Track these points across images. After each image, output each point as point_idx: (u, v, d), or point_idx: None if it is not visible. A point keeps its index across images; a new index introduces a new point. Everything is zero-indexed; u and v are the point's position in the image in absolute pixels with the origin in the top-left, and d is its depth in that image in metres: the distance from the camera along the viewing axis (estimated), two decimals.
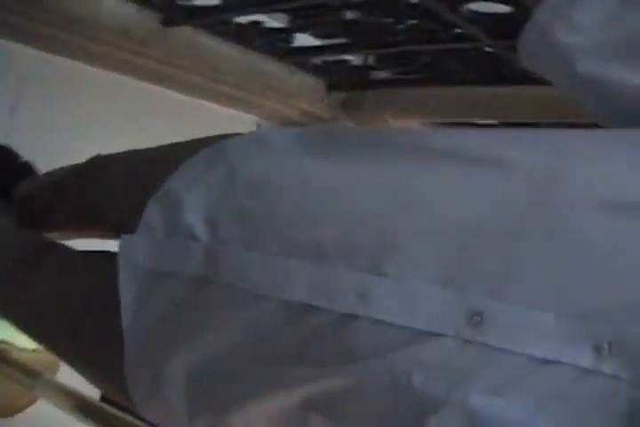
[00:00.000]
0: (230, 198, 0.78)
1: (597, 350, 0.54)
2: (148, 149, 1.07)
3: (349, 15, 2.17)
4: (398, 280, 0.63)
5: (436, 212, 0.65)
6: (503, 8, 1.99)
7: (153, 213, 0.83)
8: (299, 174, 0.76)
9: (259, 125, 3.17)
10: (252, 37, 2.40)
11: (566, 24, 0.71)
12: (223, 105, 2.88)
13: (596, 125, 0.77)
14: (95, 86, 2.39)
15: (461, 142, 0.71)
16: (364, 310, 0.63)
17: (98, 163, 1.19)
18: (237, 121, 3.02)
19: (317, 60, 2.75)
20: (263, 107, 2.87)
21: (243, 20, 2.32)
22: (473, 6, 2.00)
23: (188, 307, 0.77)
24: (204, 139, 0.95)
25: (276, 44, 2.48)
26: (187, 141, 1.00)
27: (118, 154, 1.14)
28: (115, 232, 0.99)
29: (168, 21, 2.22)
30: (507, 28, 2.10)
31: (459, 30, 2.17)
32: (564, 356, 0.55)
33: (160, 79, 2.55)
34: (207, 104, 2.84)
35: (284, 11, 2.25)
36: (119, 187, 1.02)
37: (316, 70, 2.81)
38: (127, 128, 2.47)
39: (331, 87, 2.92)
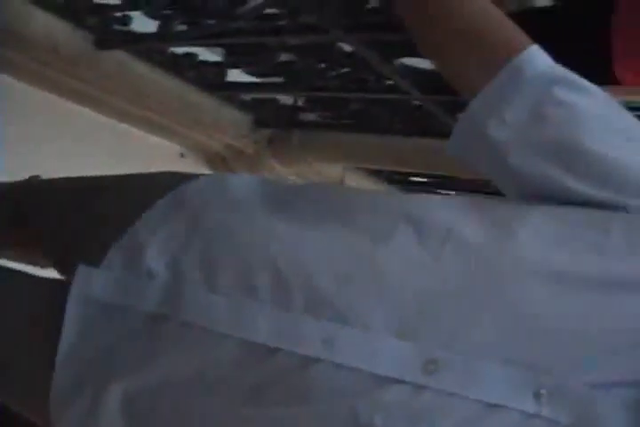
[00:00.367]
0: (193, 245, 0.80)
1: (537, 396, 0.62)
2: (94, 178, 1.07)
3: (284, 57, 2.19)
4: (361, 330, 0.68)
5: (394, 273, 0.71)
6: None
7: (114, 256, 0.84)
8: (261, 228, 0.79)
9: (182, 155, 3.16)
10: (184, 68, 2.39)
11: (499, 120, 0.78)
12: (148, 132, 2.86)
13: None
14: (19, 102, 2.34)
15: (416, 211, 0.77)
16: (328, 354, 0.67)
17: (39, 185, 1.18)
18: (160, 149, 3.00)
19: (246, 96, 2.76)
20: (188, 137, 2.86)
21: (178, 50, 2.31)
22: (406, 60, 2.04)
23: (137, 340, 0.78)
24: (161, 178, 0.98)
25: (207, 77, 2.48)
26: (140, 178, 1.01)
27: (60, 179, 1.13)
28: (55, 261, 1.01)
29: (101, 44, 2.19)
30: (436, 84, 2.15)
31: (390, 82, 2.21)
32: (509, 401, 0.62)
33: (86, 101, 2.51)
34: (132, 129, 2.82)
35: (220, 46, 2.25)
36: (63, 216, 1.01)
37: (244, 106, 2.81)
38: (46, 146, 2.43)
39: (257, 123, 2.93)
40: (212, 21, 1.91)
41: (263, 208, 0.83)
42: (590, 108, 0.77)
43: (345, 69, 2.19)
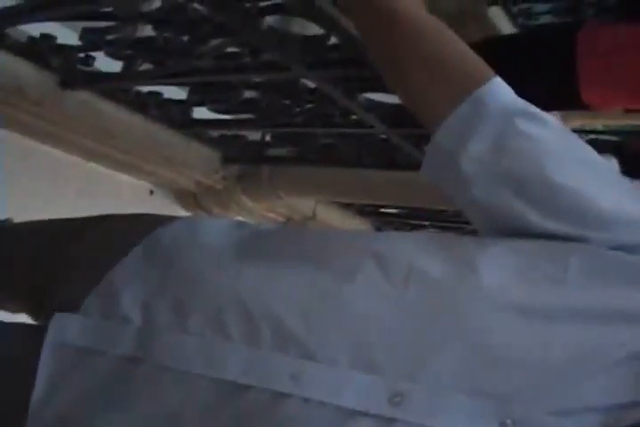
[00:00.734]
0: (165, 290, 0.82)
1: (503, 426, 0.62)
2: (69, 220, 1.08)
3: (248, 94, 2.20)
4: (327, 365, 0.69)
5: (359, 309, 0.73)
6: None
7: (92, 304, 0.85)
8: (230, 272, 0.81)
9: (151, 192, 3.15)
10: (150, 107, 2.39)
11: (463, 152, 0.79)
12: (116, 170, 2.86)
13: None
14: None
15: (380, 248, 0.78)
16: (297, 389, 0.69)
17: (12, 227, 1.20)
18: (129, 186, 2.99)
19: (214, 132, 2.77)
20: (156, 174, 2.85)
21: (142, 89, 2.31)
22: (369, 95, 2.06)
23: (113, 383, 0.78)
24: (138, 222, 0.99)
25: (173, 115, 2.48)
26: (117, 221, 1.02)
27: (34, 222, 1.14)
28: (27, 305, 1.01)
29: (66, 84, 2.19)
30: (401, 117, 2.16)
31: (355, 116, 2.22)
32: None
33: (53, 140, 2.51)
34: (100, 168, 2.81)
35: (184, 84, 2.26)
36: (36, 258, 1.01)
37: (213, 143, 2.82)
38: (15, 187, 2.41)
39: (226, 160, 2.93)
40: (174, 61, 1.92)
41: (233, 252, 0.85)
42: (551, 139, 0.78)
43: (309, 105, 2.19)
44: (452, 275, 0.73)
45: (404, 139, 2.33)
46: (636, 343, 0.66)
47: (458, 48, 0.84)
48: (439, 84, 0.82)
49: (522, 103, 0.80)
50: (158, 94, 2.32)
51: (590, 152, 0.80)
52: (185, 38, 1.82)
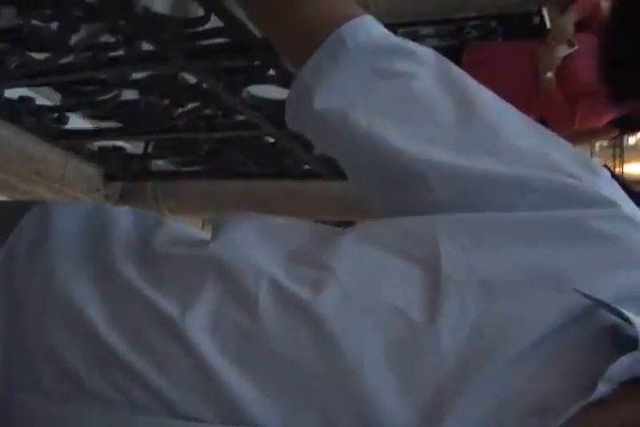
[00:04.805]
0: (16, 342, 0.72)
1: None
2: None
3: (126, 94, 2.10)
4: (200, 422, 0.63)
5: (206, 346, 0.65)
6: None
7: None
8: (73, 315, 0.71)
9: None
10: (22, 116, 2.24)
11: (327, 85, 0.74)
12: None
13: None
14: None
15: (223, 258, 0.70)
16: None
17: None
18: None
19: (93, 146, 2.64)
20: (32, 194, 2.69)
21: (11, 94, 2.17)
22: (253, 90, 1.97)
23: None
24: None
25: (48, 126, 2.33)
26: None
27: None
28: None
29: None
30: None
31: (240, 117, 2.14)
32: None
33: None
34: None
35: (51, 85, 2.12)
36: None
37: (93, 158, 2.69)
38: None
39: (108, 177, 2.80)
40: (40, 56, 1.78)
41: (82, 273, 0.75)
42: (423, 78, 0.74)
43: (192, 104, 2.09)
44: (308, 288, 0.64)
45: (293, 141, 2.25)
46: (547, 318, 0.60)
47: None
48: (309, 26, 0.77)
49: (396, 40, 0.76)
50: (30, 100, 2.18)
51: (465, 84, 0.78)
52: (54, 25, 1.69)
